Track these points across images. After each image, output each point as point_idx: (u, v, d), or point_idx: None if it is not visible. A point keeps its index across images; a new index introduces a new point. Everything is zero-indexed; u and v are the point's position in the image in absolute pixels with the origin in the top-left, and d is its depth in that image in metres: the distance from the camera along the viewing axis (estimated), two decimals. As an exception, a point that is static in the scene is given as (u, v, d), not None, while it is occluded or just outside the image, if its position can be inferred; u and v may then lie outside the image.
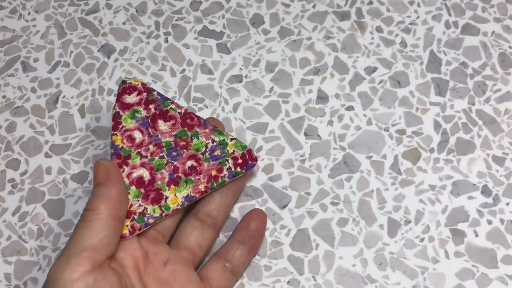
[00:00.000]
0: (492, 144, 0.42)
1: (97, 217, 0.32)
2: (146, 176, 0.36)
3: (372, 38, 0.46)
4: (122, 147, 0.37)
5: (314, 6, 0.48)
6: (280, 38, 0.46)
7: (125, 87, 0.38)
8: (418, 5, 0.48)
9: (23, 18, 0.48)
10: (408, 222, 0.40)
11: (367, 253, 0.39)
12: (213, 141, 0.37)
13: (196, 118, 0.38)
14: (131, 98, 0.38)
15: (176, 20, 0.48)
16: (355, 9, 0.47)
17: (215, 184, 0.37)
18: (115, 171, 0.34)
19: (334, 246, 0.39)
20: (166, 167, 0.37)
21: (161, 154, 0.37)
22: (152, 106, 0.38)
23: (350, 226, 0.40)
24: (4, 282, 0.38)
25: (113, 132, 0.37)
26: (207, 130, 0.38)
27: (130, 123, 0.37)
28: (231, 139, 0.38)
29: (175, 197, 0.36)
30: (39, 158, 0.42)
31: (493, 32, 0.46)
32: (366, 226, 0.40)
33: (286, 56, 0.46)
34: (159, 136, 0.37)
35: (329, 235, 0.39)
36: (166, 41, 0.47)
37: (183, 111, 0.38)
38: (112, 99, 0.44)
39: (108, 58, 0.46)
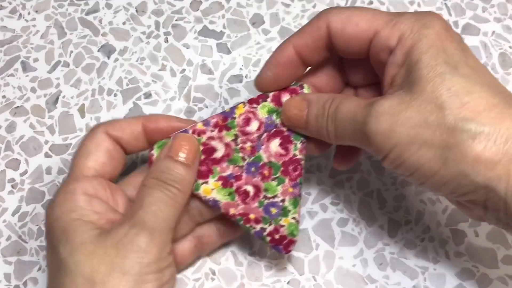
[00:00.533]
0: (492, 144, 0.42)
1: (180, 201, 0.32)
2: (218, 154, 0.35)
3: (372, 38, 0.46)
4: (235, 118, 0.35)
5: (314, 6, 0.48)
6: (280, 38, 0.46)
7: (295, 89, 0.35)
8: (418, 5, 0.48)
9: (23, 18, 0.48)
10: (408, 222, 0.40)
11: (367, 253, 0.39)
12: (282, 201, 0.35)
13: (298, 172, 0.35)
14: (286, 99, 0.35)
15: (176, 20, 0.48)
16: (355, 9, 0.47)
17: (241, 222, 0.35)
18: (199, 159, 0.34)
19: (334, 246, 0.39)
20: (236, 168, 0.35)
21: (245, 157, 0.35)
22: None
23: (350, 226, 0.40)
24: (4, 282, 0.38)
25: (247, 102, 0.35)
26: (290, 190, 0.35)
27: (261, 114, 0.35)
28: (293, 218, 0.35)
29: (210, 190, 0.34)
30: (39, 158, 0.42)
31: (493, 32, 0.46)
32: (366, 226, 0.40)
33: (286, 56, 0.46)
34: (262, 147, 0.35)
35: (329, 235, 0.39)
36: (166, 41, 0.47)
37: (298, 157, 0.35)
38: (112, 99, 0.44)
39: (108, 58, 0.46)
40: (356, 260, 0.39)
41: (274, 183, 0.35)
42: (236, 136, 0.35)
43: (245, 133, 0.35)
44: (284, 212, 0.35)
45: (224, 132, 0.35)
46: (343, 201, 0.40)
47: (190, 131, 0.35)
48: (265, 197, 0.35)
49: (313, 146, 0.36)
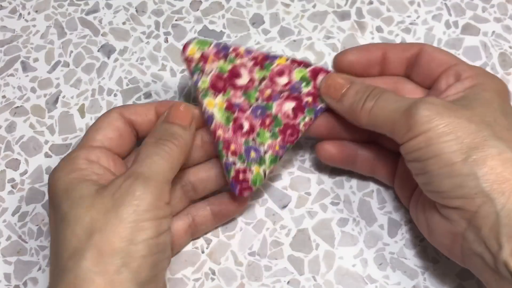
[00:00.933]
0: (492, 144, 0.42)
1: (176, 156, 0.33)
2: (239, 82, 0.37)
3: (372, 38, 0.46)
4: (273, 64, 0.37)
5: (314, 6, 0.48)
6: (280, 38, 0.46)
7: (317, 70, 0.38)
8: (418, 5, 0.48)
9: (23, 18, 0.48)
10: (408, 222, 0.40)
11: (367, 253, 0.39)
12: (265, 152, 0.36)
13: (292, 139, 0.37)
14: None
15: (176, 20, 0.48)
16: (355, 9, 0.47)
17: (221, 146, 0.36)
18: (195, 125, 0.36)
19: (334, 246, 0.39)
20: (246, 102, 0.37)
21: (259, 99, 0.37)
22: (310, 98, 0.37)
23: (350, 226, 0.40)
24: (4, 282, 0.38)
25: (291, 59, 0.38)
26: (277, 148, 0.36)
27: (295, 75, 0.37)
28: (263, 171, 0.36)
29: (214, 105, 0.36)
30: (39, 158, 0.42)
31: (493, 32, 0.46)
32: (366, 226, 0.40)
33: (286, 56, 0.46)
34: (277, 101, 0.37)
35: (329, 235, 0.39)
36: (166, 41, 0.47)
37: (300, 128, 0.37)
38: (112, 99, 0.44)
39: (108, 58, 0.46)
40: (356, 260, 0.39)
41: (268, 134, 0.37)
42: (264, 78, 0.37)
43: (272, 81, 0.37)
44: (260, 161, 0.36)
45: (257, 68, 0.37)
46: (343, 201, 0.40)
47: (231, 49, 0.37)
48: (253, 140, 0.36)
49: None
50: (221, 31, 0.47)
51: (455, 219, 0.32)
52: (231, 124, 0.36)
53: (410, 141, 0.32)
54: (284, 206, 0.40)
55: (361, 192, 0.41)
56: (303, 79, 0.37)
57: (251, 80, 0.37)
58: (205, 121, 0.36)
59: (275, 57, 0.37)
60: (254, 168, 0.36)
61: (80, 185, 0.32)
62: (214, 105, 0.36)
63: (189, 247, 0.39)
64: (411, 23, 0.47)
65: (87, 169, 0.33)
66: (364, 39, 0.46)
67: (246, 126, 0.37)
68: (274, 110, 0.37)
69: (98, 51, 0.46)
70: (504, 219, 0.29)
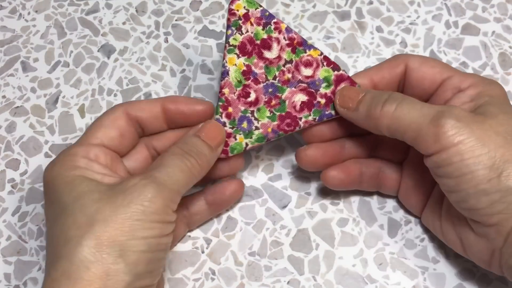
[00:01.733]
0: (492, 144, 0.42)
1: (196, 174, 0.33)
2: (267, 55, 0.36)
3: (372, 38, 0.46)
4: (305, 52, 0.37)
5: (314, 6, 0.48)
6: (280, 38, 0.46)
7: (355, 83, 0.37)
8: (418, 5, 0.48)
9: (23, 18, 0.48)
10: (408, 222, 0.40)
11: (367, 253, 0.39)
12: (257, 128, 0.36)
13: (287, 129, 0.37)
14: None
15: (176, 20, 0.48)
16: (355, 9, 0.47)
17: (220, 103, 0.36)
18: (222, 147, 0.36)
19: (334, 246, 0.39)
20: (263, 76, 0.36)
21: (276, 78, 0.36)
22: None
23: (350, 226, 0.40)
24: (4, 282, 0.38)
25: (324, 55, 0.37)
26: (269, 130, 0.36)
27: (320, 72, 0.37)
28: (246, 144, 0.36)
29: (234, 64, 0.36)
30: (39, 158, 0.42)
31: (493, 32, 0.46)
32: (366, 226, 0.40)
33: (286, 56, 0.46)
34: (292, 88, 0.37)
35: (329, 235, 0.39)
36: (166, 41, 0.47)
37: (300, 123, 0.37)
38: (112, 99, 0.44)
39: (108, 58, 0.46)
40: (356, 260, 0.39)
41: (268, 114, 0.37)
42: (290, 62, 0.37)
43: (297, 68, 0.37)
44: (248, 134, 0.37)
45: (288, 49, 0.37)
46: (343, 201, 0.40)
47: (274, 20, 0.36)
48: (251, 113, 0.36)
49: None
50: (221, 31, 0.47)
51: (492, 237, 0.31)
52: (239, 88, 0.36)
53: (439, 154, 0.31)
54: (284, 206, 0.40)
55: (361, 192, 0.41)
56: (326, 79, 0.37)
57: (278, 57, 0.37)
58: (221, 73, 0.36)
59: (310, 47, 0.37)
60: (239, 137, 0.36)
61: (85, 181, 0.32)
62: (234, 64, 0.36)
63: (189, 247, 0.39)
64: (411, 23, 0.47)
65: (87, 168, 0.33)
66: (364, 39, 0.46)
67: (252, 96, 0.37)
68: (285, 95, 0.37)
69: (98, 51, 0.46)
70: None
